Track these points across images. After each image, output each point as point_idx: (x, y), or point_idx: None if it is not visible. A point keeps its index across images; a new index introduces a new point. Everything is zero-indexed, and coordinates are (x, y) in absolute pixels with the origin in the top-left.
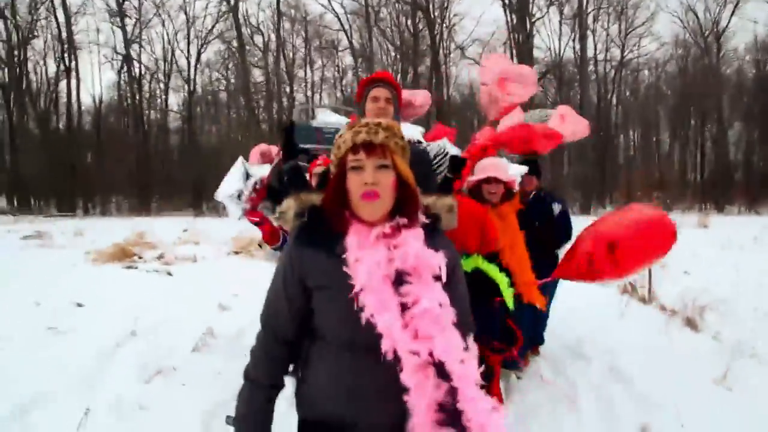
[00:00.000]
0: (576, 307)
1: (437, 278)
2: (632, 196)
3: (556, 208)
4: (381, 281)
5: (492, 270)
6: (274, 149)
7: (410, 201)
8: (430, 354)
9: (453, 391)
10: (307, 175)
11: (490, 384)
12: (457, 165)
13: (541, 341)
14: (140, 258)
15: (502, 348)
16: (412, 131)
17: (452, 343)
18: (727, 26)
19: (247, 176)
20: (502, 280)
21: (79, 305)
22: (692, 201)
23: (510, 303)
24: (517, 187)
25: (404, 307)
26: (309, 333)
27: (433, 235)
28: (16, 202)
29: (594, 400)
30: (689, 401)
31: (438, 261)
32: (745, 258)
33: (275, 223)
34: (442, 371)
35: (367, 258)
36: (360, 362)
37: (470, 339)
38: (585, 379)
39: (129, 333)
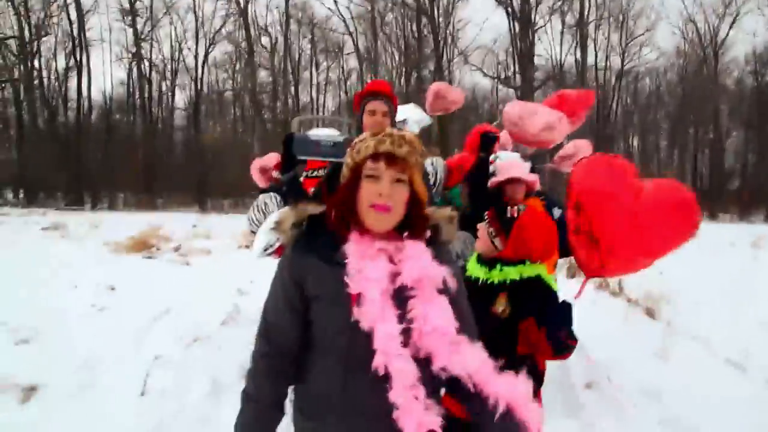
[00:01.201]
0: None
1: (441, 292)
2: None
3: (556, 212)
4: (382, 293)
5: (551, 280)
6: (273, 160)
7: (419, 219)
8: (428, 372)
9: (475, 398)
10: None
11: None
12: (489, 142)
13: None
14: (158, 249)
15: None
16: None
17: (472, 355)
18: (726, 38)
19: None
20: (557, 288)
21: (112, 288)
22: None
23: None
24: (538, 187)
25: (405, 322)
26: (304, 345)
27: (436, 248)
28: (23, 195)
29: (551, 364)
30: (628, 366)
31: (442, 274)
32: (717, 261)
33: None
34: (451, 386)
35: (369, 269)
36: (352, 378)
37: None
38: None
39: (163, 310)
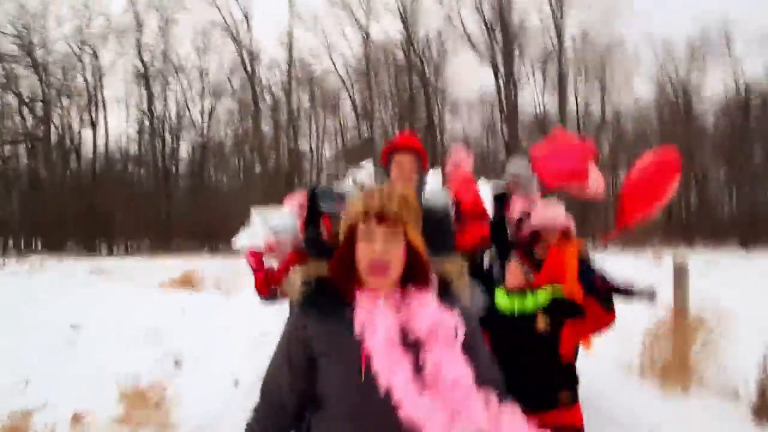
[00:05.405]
0: None
1: (453, 340)
2: (610, 236)
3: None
4: (393, 347)
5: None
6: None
7: (420, 268)
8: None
9: None
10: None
11: None
12: (502, 202)
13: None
14: (200, 286)
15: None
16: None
17: (477, 406)
18: (698, 85)
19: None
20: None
21: (185, 309)
22: (667, 239)
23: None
24: (573, 230)
25: (419, 373)
26: (312, 403)
27: (447, 299)
28: (39, 245)
29: None
30: None
31: (453, 322)
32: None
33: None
34: None
35: (377, 323)
36: None
37: (496, 396)
38: None
39: (231, 322)
